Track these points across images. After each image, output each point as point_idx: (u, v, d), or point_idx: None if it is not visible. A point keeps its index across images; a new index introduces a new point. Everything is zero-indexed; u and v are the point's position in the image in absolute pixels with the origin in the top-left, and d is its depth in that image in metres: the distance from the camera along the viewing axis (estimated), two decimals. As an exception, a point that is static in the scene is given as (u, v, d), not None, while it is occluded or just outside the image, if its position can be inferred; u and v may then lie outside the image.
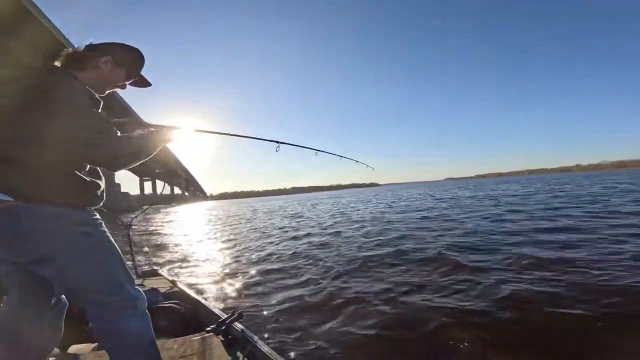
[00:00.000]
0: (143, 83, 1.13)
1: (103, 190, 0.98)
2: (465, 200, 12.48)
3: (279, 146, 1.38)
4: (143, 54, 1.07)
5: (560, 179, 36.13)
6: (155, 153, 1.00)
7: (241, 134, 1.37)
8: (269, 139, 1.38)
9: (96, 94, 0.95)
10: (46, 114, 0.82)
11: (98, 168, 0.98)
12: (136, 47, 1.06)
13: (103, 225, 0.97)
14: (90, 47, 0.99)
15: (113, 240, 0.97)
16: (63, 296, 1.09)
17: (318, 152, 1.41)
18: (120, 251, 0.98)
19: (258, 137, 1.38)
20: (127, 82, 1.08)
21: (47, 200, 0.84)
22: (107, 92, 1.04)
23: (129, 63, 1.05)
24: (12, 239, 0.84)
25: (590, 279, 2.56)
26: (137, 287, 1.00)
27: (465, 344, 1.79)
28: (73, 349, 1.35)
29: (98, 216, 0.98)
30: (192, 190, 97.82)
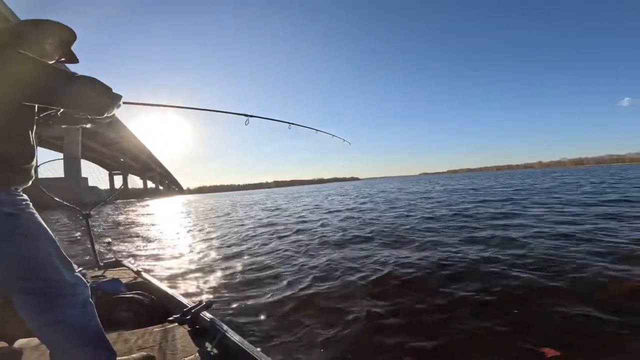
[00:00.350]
0: (72, 60, 1.11)
1: (33, 167, 0.90)
2: (402, 196, 14.18)
3: (248, 119, 1.32)
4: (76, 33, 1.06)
5: (512, 174, 39.85)
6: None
7: (204, 108, 1.31)
8: (238, 112, 1.33)
9: None
10: None
11: (32, 141, 0.89)
12: (70, 26, 1.04)
13: (31, 206, 0.88)
14: (35, 24, 0.94)
15: (44, 224, 0.89)
16: None
17: (291, 125, 1.37)
18: (53, 236, 0.90)
19: (227, 110, 1.31)
20: (59, 60, 1.07)
21: None
22: None
23: (67, 44, 1.04)
24: None
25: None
26: (77, 274, 0.91)
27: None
28: (19, 342, 1.25)
29: (25, 197, 0.89)
30: (166, 184, 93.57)
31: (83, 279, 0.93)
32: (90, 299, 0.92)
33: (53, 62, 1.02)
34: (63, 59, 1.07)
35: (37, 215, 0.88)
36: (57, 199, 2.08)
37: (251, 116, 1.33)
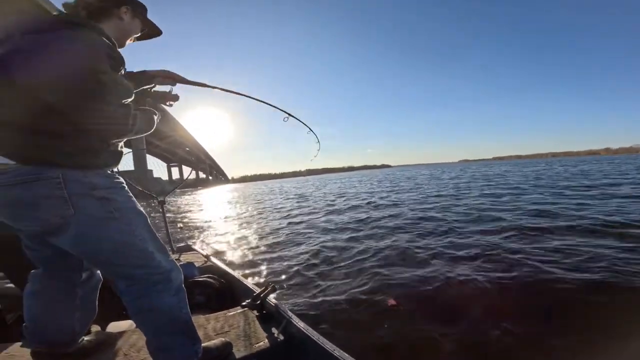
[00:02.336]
0: (155, 32, 0.98)
1: (122, 150, 0.86)
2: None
3: (287, 117, 1.30)
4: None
5: (576, 162, 35.96)
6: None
7: (252, 96, 1.24)
8: (280, 107, 1.28)
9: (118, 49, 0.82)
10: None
11: None
12: None
13: (126, 189, 0.83)
14: None
15: (139, 207, 0.84)
16: (98, 271, 0.99)
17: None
18: (148, 219, 0.85)
19: (269, 102, 1.26)
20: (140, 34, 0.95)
21: (51, 162, 0.71)
22: (126, 45, 0.91)
23: (142, 12, 0.92)
24: (18, 207, 0.72)
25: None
26: (171, 258, 0.88)
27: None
28: (112, 326, 1.29)
29: (120, 179, 0.84)
30: (215, 174, 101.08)
31: (177, 263, 0.89)
32: (183, 285, 0.89)
33: (136, 36, 0.93)
34: (145, 30, 0.95)
35: (132, 198, 0.84)
36: (139, 187, 2.24)
37: (291, 115, 1.32)
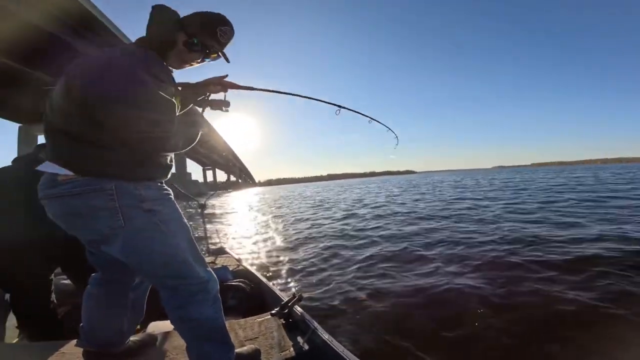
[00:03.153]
0: (225, 59, 0.96)
1: (171, 163, 0.89)
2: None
3: (339, 110, 1.24)
4: (228, 24, 0.89)
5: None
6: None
7: (302, 95, 1.20)
8: (331, 102, 1.23)
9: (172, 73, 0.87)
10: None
11: None
12: (218, 13, 0.89)
13: (172, 200, 0.86)
14: (167, 17, 0.85)
15: (183, 218, 0.87)
16: None
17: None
18: (189, 230, 0.87)
19: (318, 98, 1.20)
20: (205, 60, 0.94)
21: (106, 174, 0.75)
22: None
23: (203, 49, 0.91)
24: (76, 217, 0.77)
25: None
26: (209, 269, 0.90)
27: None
28: (153, 326, 1.35)
29: (168, 190, 0.87)
30: (244, 177, 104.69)
31: (214, 274, 0.91)
32: (218, 294, 0.92)
33: (198, 63, 0.93)
34: (209, 59, 0.93)
35: (177, 209, 0.86)
36: (182, 191, 2.35)
37: (343, 107, 1.25)
